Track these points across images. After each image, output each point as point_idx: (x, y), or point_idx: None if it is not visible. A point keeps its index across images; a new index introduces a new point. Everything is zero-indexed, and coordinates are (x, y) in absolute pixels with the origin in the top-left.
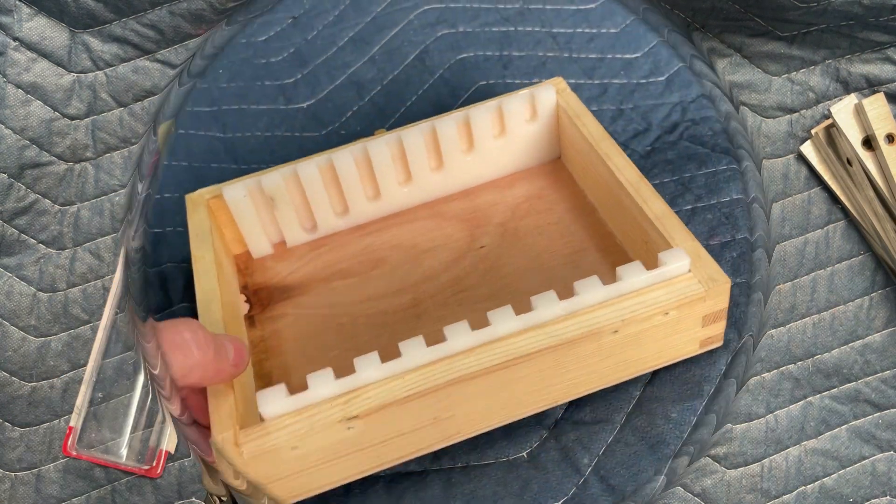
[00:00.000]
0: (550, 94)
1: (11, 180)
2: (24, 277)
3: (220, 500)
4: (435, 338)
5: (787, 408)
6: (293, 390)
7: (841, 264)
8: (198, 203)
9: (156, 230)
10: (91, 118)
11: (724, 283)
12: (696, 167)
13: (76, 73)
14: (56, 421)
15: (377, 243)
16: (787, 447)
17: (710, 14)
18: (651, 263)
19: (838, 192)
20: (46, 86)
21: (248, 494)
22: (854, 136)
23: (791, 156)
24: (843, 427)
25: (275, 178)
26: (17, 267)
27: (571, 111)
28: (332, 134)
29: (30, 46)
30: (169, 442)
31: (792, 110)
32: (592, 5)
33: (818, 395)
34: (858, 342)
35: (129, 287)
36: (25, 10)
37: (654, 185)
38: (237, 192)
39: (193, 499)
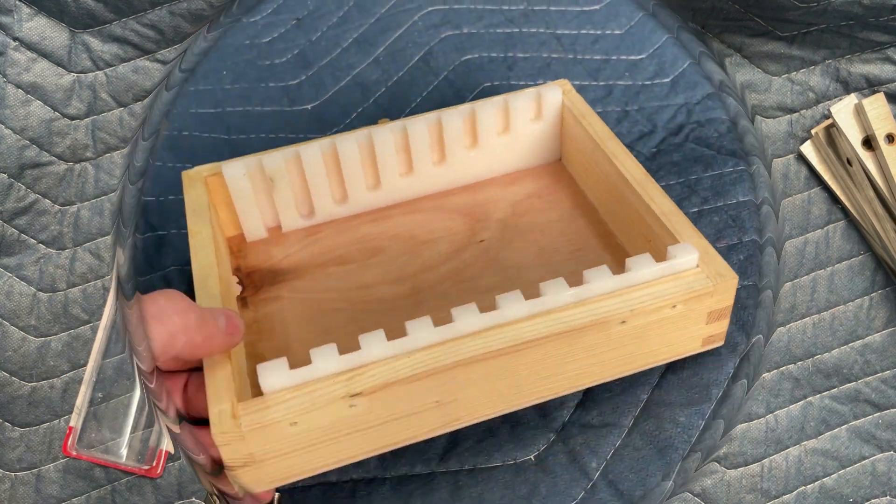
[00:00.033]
0: (556, 94)
1: (11, 180)
2: (24, 277)
3: (219, 500)
4: (442, 320)
5: (787, 408)
6: (292, 368)
7: (841, 264)
8: (195, 179)
9: (159, 233)
10: (91, 118)
11: (731, 279)
12: (702, 169)
13: (76, 73)
14: (56, 421)
15: (375, 232)
16: (787, 447)
17: (710, 14)
18: (657, 260)
19: (838, 192)
20: (46, 86)
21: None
22: (854, 136)
23: (791, 156)
24: (843, 427)
25: (276, 159)
26: (17, 267)
27: (577, 111)
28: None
29: (30, 46)
30: (169, 442)
31: (792, 110)
32: (597, 6)
33: (818, 395)
34: (858, 342)
35: (117, 264)
36: (25, 10)
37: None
38: (236, 170)
39: (193, 499)
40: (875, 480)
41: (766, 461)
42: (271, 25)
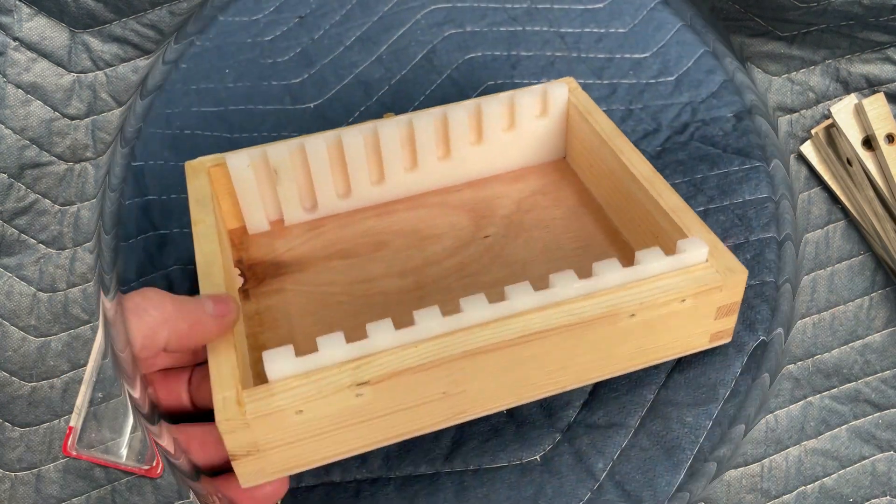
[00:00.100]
0: (563, 92)
1: (11, 180)
2: (24, 277)
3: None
4: (447, 313)
5: (787, 408)
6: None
7: (841, 264)
8: (198, 170)
9: (161, 231)
10: (91, 118)
11: (741, 274)
12: (707, 168)
13: (76, 73)
14: (56, 421)
15: (379, 227)
16: (787, 447)
17: (710, 14)
18: (666, 254)
19: (838, 192)
20: (46, 86)
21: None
22: (854, 136)
23: (791, 156)
24: (843, 427)
25: (281, 150)
26: (17, 267)
27: (583, 107)
28: None
29: (30, 46)
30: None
31: (792, 110)
32: (600, 5)
33: (818, 395)
34: (858, 342)
35: (100, 262)
36: (25, 10)
37: None
38: (240, 161)
39: (193, 499)
40: (875, 480)
41: (765, 461)
42: (274, 23)
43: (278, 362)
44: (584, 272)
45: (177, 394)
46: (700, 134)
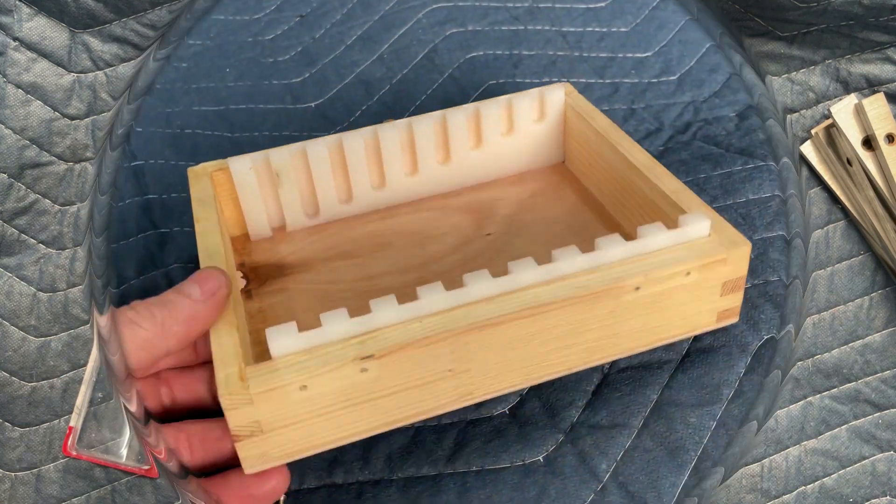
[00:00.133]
0: (559, 95)
1: (11, 180)
2: (24, 277)
3: None
4: (455, 286)
5: (787, 408)
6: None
7: (841, 264)
8: (200, 175)
9: (162, 230)
10: (91, 118)
11: (744, 246)
12: (710, 168)
13: (76, 73)
14: (56, 421)
15: (381, 229)
16: (787, 447)
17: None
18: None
19: (838, 192)
20: (46, 86)
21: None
22: (854, 136)
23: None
24: (843, 427)
25: (283, 154)
26: (17, 267)
27: (580, 108)
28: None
29: (30, 46)
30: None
31: (792, 110)
32: (602, 4)
33: (818, 395)
34: (858, 342)
35: (91, 282)
36: (25, 10)
37: None
38: (242, 165)
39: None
40: (875, 480)
41: (765, 461)
42: (274, 22)
43: (282, 338)
44: (588, 251)
45: (196, 390)
46: (703, 133)
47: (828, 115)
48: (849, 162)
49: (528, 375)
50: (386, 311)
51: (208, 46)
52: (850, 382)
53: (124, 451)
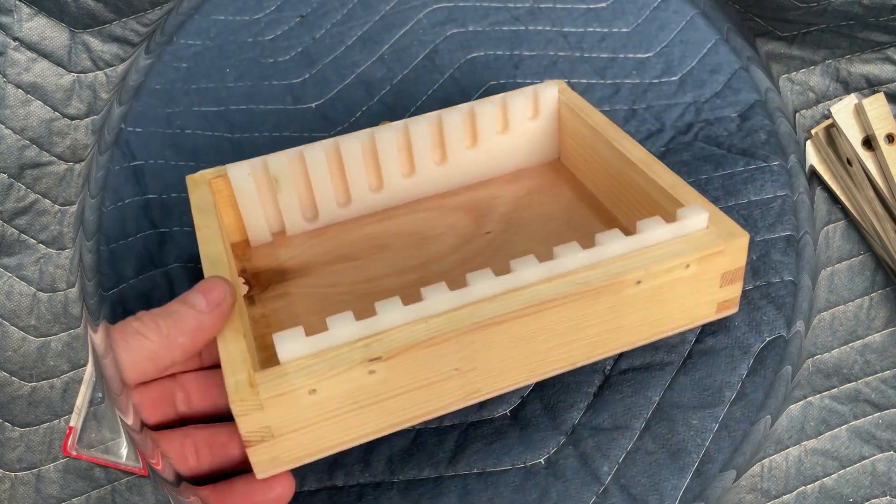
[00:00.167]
0: (553, 92)
1: (11, 180)
2: (24, 277)
3: None
4: (457, 286)
5: (787, 408)
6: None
7: (841, 264)
8: (199, 183)
9: (161, 230)
10: (91, 118)
11: (742, 238)
12: (712, 168)
13: (76, 73)
14: (56, 421)
15: (379, 231)
16: (787, 447)
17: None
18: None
19: (838, 192)
20: (46, 86)
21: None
22: (854, 136)
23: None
24: (843, 427)
25: (280, 160)
26: (17, 267)
27: (574, 105)
28: (341, 134)
29: (30, 46)
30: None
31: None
32: (603, 4)
33: (818, 395)
34: (858, 342)
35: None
36: (25, 10)
37: None
38: (241, 171)
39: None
40: (875, 480)
41: (766, 461)
42: (275, 23)
43: (289, 343)
44: (588, 246)
45: (213, 397)
46: (704, 134)
47: (828, 115)
48: (849, 162)
49: (533, 372)
50: (392, 313)
51: (208, 47)
52: (850, 382)
53: (124, 452)
